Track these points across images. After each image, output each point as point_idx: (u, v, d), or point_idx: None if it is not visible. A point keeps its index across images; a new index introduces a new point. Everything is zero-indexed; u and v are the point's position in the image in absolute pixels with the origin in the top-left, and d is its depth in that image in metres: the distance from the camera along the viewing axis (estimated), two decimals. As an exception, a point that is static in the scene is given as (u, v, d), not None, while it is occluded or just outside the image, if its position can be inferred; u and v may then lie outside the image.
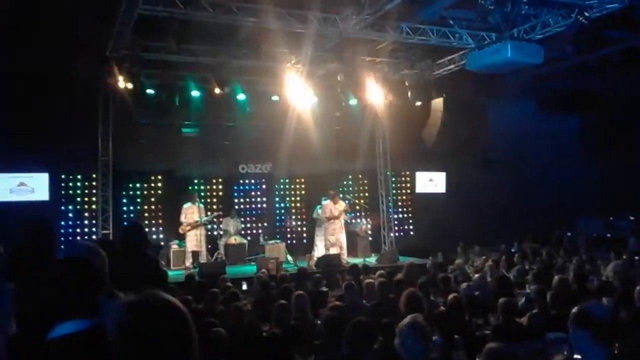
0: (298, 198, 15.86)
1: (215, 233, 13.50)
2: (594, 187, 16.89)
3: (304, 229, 15.43)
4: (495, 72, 11.61)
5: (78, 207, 13.05)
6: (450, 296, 5.93)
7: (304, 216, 15.47)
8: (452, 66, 12.96)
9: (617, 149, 16.02)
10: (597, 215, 16.36)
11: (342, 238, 12.97)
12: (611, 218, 16.19)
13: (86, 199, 13.07)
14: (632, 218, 15.63)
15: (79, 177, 13.14)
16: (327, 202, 13.11)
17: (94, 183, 12.79)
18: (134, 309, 1.54)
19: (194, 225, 12.25)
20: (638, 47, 12.83)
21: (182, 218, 12.32)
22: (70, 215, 13.00)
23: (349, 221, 13.99)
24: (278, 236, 14.52)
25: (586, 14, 9.40)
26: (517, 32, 10.32)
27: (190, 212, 12.34)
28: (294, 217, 15.59)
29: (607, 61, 13.86)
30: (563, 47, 13.06)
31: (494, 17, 10.17)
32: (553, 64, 13.41)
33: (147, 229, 13.34)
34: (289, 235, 15.26)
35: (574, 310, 2.84)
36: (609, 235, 15.42)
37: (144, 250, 5.04)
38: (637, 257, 10.28)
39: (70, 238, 12.67)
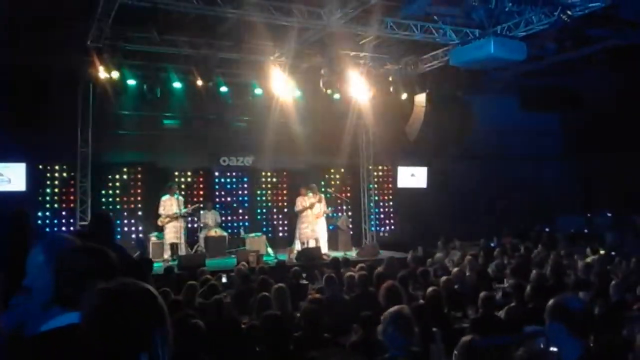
0: (280, 191, 15.81)
1: (195, 225, 13.42)
2: (574, 184, 17.13)
3: (286, 222, 15.40)
4: (478, 68, 11.71)
5: (56, 198, 12.85)
6: (430, 289, 5.96)
7: (285, 209, 15.43)
8: (435, 62, 12.99)
9: (598, 147, 16.23)
10: (576, 212, 16.57)
11: (320, 231, 12.98)
12: (589, 214, 16.41)
13: (64, 189, 12.86)
14: (609, 214, 15.86)
15: (57, 167, 12.94)
16: (301, 197, 13.15)
17: (72, 174, 12.59)
18: (109, 295, 1.54)
19: (173, 218, 12.15)
20: (620, 46, 12.99)
21: (161, 210, 12.19)
22: (48, 206, 12.80)
23: (330, 214, 14.00)
24: (259, 229, 14.48)
25: (569, 12, 9.47)
26: (500, 29, 10.38)
27: (169, 205, 12.20)
28: (275, 210, 15.56)
29: (590, 60, 14.01)
30: (546, 45, 13.19)
31: (478, 14, 10.23)
32: (536, 61, 13.54)
33: (126, 221, 13.34)
34: (270, 228, 15.22)
35: (550, 302, 2.86)
36: (586, 231, 15.62)
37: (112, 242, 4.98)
38: (613, 253, 10.44)
39: (47, 229, 12.49)
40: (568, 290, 6.34)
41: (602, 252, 10.41)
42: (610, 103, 15.83)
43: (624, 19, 11.64)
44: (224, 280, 8.87)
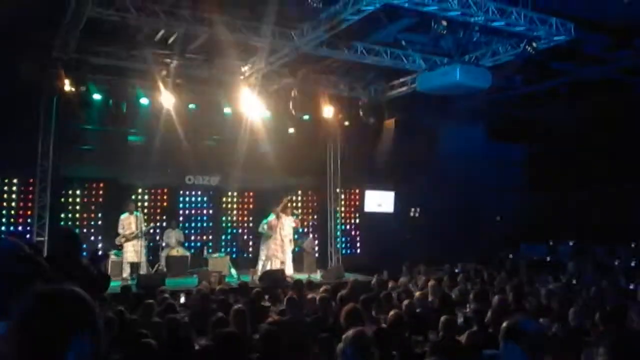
0: (245, 212, 15.63)
1: (158, 244, 13.10)
2: (538, 214, 17.38)
3: (250, 242, 15.20)
4: (444, 94, 11.84)
5: (12, 212, 12.43)
6: (392, 312, 5.88)
7: (250, 230, 15.24)
8: (404, 88, 13.15)
9: (561, 179, 16.56)
10: (540, 240, 16.81)
11: (286, 253, 12.86)
12: (551, 243, 16.66)
13: (22, 204, 12.47)
14: (571, 243, 16.13)
15: (15, 181, 12.55)
16: (273, 218, 13.01)
17: (31, 188, 12.21)
18: (45, 297, 1.52)
19: (131, 237, 11.85)
20: (584, 80, 13.36)
21: (120, 229, 11.90)
22: (4, 220, 12.37)
23: (297, 237, 13.89)
24: (223, 249, 14.23)
25: (534, 44, 9.71)
26: (468, 58, 10.58)
27: (128, 223, 11.92)
28: (240, 230, 15.35)
29: (554, 92, 14.36)
30: (512, 76, 13.49)
31: (446, 43, 10.42)
32: (502, 92, 13.82)
33: (85, 238, 12.93)
34: (234, 249, 14.99)
35: (504, 324, 2.84)
36: (549, 259, 15.84)
37: (77, 258, 4.79)
38: (574, 281, 10.58)
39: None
40: (529, 315, 6.34)
41: (563, 280, 10.53)
42: (572, 136, 16.21)
43: (588, 53, 12.00)
44: (182, 300, 8.65)
